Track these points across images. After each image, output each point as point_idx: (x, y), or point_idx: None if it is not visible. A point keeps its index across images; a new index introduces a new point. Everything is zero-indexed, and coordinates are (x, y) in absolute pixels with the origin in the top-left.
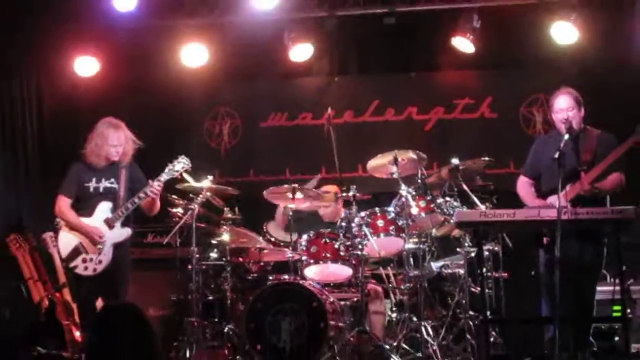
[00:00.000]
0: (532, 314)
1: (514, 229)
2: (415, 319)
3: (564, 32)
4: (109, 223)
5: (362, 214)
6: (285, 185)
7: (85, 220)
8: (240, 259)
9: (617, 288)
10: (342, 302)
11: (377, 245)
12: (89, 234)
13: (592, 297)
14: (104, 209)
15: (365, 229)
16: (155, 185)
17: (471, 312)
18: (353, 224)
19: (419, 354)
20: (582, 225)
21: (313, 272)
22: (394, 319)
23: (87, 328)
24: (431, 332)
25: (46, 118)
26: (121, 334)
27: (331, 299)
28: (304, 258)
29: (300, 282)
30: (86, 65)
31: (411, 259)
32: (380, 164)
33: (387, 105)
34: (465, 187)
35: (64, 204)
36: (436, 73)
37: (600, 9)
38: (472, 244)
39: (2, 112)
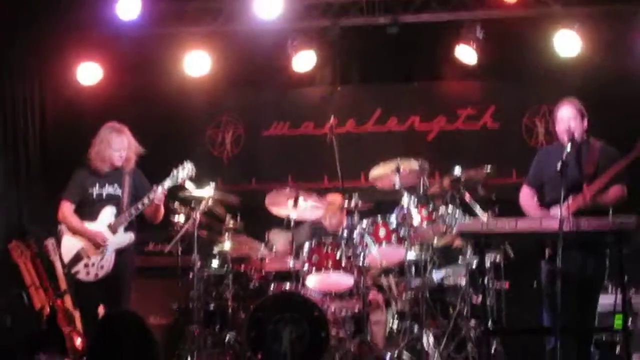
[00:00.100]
0: (533, 324)
1: (516, 239)
2: (416, 328)
3: (567, 43)
4: (112, 228)
5: (364, 223)
6: (287, 189)
7: (88, 226)
8: (242, 268)
9: (619, 299)
10: (344, 312)
11: (379, 254)
12: (92, 237)
13: (594, 308)
14: (107, 214)
15: (367, 239)
16: (159, 191)
17: (472, 322)
18: (355, 234)
19: None
20: (583, 236)
21: (314, 281)
22: (395, 329)
23: (89, 335)
24: (432, 342)
25: (49, 125)
26: (123, 342)
27: (332, 309)
28: (305, 267)
29: (302, 291)
30: (89, 73)
31: (413, 269)
32: (382, 173)
33: (389, 114)
34: (467, 197)
35: (67, 209)
36: (439, 83)
37: (603, 21)
38: (474, 254)
39: (4, 117)
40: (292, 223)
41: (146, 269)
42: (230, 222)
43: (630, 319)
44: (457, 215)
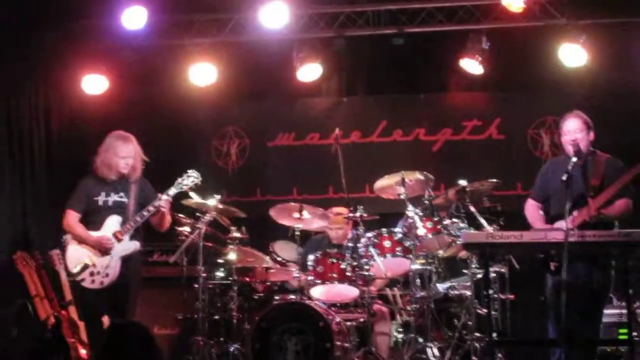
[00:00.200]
0: (538, 336)
1: (521, 251)
2: (421, 340)
3: (573, 55)
4: (118, 236)
5: (369, 234)
6: (292, 203)
7: (94, 234)
8: (247, 279)
9: (624, 311)
10: (348, 323)
11: (384, 266)
12: (97, 242)
13: (599, 320)
14: (112, 222)
15: (372, 250)
16: (164, 199)
17: (477, 334)
18: (360, 245)
19: None
20: (589, 248)
21: (319, 292)
22: (400, 340)
23: (93, 345)
24: (437, 354)
25: (54, 135)
26: (128, 352)
27: (337, 319)
28: (310, 278)
29: (307, 302)
30: (95, 83)
31: (418, 280)
32: (387, 184)
33: (395, 126)
34: (472, 208)
35: (72, 218)
36: (444, 94)
37: (609, 32)
38: (479, 266)
39: (10, 128)
40: (298, 234)
41: (151, 279)
42: (235, 233)
43: (634, 331)
44: (462, 227)
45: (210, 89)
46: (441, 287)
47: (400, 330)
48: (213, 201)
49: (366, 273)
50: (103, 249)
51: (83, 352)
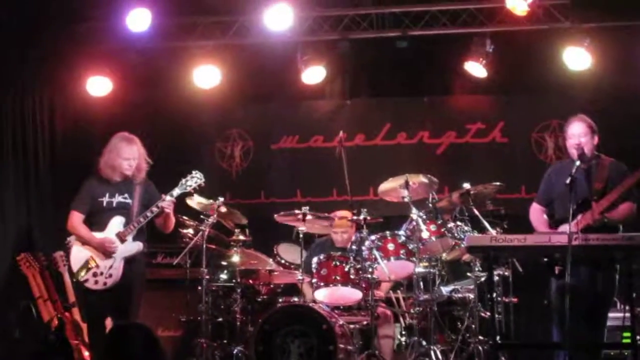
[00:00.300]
0: (542, 339)
1: (525, 254)
2: (424, 343)
3: (577, 58)
4: (121, 237)
5: (373, 237)
6: (296, 211)
7: (97, 235)
8: (250, 281)
9: (627, 315)
10: (352, 326)
11: (388, 269)
12: (100, 244)
13: (603, 324)
14: (116, 223)
15: (376, 253)
16: (168, 200)
17: (481, 337)
18: (363, 247)
19: None
20: (593, 251)
21: (323, 295)
22: (404, 343)
23: (97, 346)
24: (440, 357)
25: (58, 137)
26: (131, 354)
27: (340, 322)
28: (314, 281)
29: (310, 304)
30: (99, 85)
31: (421, 283)
32: (391, 187)
33: (398, 128)
34: (476, 211)
35: (76, 218)
36: (448, 97)
37: (613, 36)
38: (483, 269)
39: (14, 130)
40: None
41: (155, 281)
42: (239, 236)
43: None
44: (465, 230)
45: (214, 92)
46: (445, 290)
47: (404, 333)
48: (217, 204)
49: (370, 276)
50: (106, 252)
51: (86, 353)
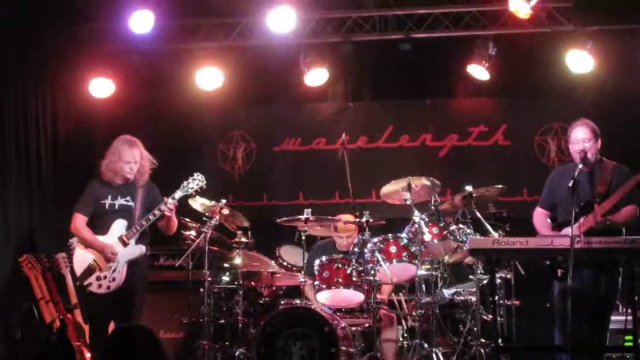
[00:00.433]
0: (544, 342)
1: (527, 257)
2: (426, 345)
3: (580, 61)
4: (123, 240)
5: (375, 239)
6: (299, 216)
7: (100, 238)
8: (252, 283)
9: (630, 318)
10: (354, 328)
11: (390, 271)
12: (102, 250)
13: (606, 327)
14: (119, 226)
15: (378, 255)
16: (170, 202)
17: (483, 340)
18: (366, 250)
19: None
20: (595, 254)
21: (325, 297)
22: (405, 346)
23: (98, 349)
24: (442, 359)
25: (61, 138)
26: (133, 356)
27: (342, 325)
28: (316, 283)
29: (312, 307)
30: (102, 87)
31: (423, 286)
32: (393, 190)
33: (401, 131)
34: (478, 214)
35: (79, 221)
36: (451, 100)
37: (616, 39)
38: (485, 272)
39: (16, 131)
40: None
41: (157, 283)
42: (241, 238)
43: None
44: (468, 232)
45: (216, 93)
46: (447, 292)
47: (406, 335)
48: (219, 205)
49: (372, 278)
50: (107, 259)
51: (88, 355)
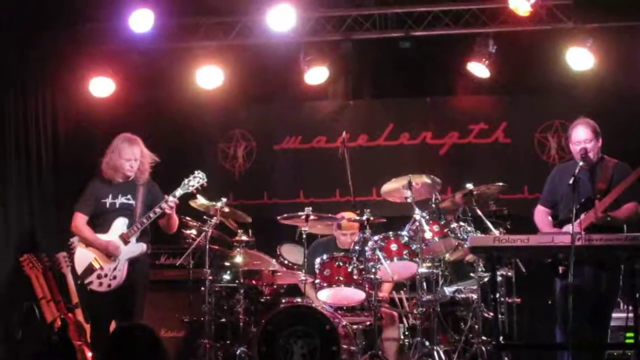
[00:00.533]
0: (545, 339)
1: (528, 254)
2: (427, 343)
3: (580, 59)
4: (124, 238)
5: (376, 237)
6: (299, 213)
7: (101, 237)
8: (253, 282)
9: (631, 315)
10: (355, 326)
11: (391, 269)
12: (104, 247)
13: (607, 324)
14: (119, 224)
15: (379, 253)
16: (170, 200)
17: (484, 337)
18: (366, 248)
19: None
20: (596, 251)
21: (326, 296)
22: (407, 343)
23: (99, 348)
24: (443, 357)
25: (61, 138)
26: (134, 355)
27: (344, 323)
28: (317, 281)
29: (313, 305)
30: (102, 86)
31: (424, 284)
32: (394, 188)
33: (401, 129)
34: (479, 212)
35: (80, 220)
36: (451, 98)
37: (616, 36)
38: (486, 269)
39: (17, 131)
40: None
41: (158, 281)
42: (242, 236)
43: None
44: (468, 230)
45: (217, 92)
46: (448, 290)
47: (407, 333)
48: (220, 204)
49: (373, 276)
50: (109, 255)
51: (89, 354)
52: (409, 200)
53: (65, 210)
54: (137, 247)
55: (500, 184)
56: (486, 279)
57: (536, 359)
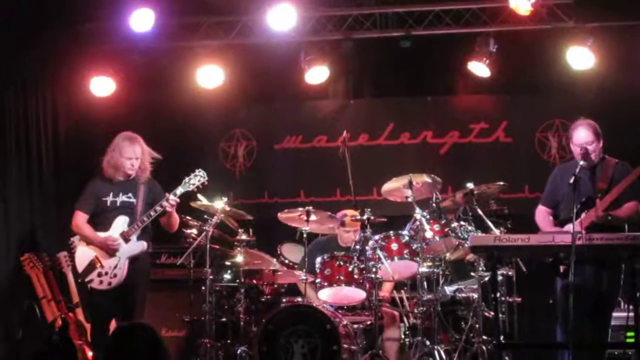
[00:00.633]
0: (545, 338)
1: (528, 253)
2: (428, 342)
3: (580, 58)
4: (125, 236)
5: (377, 237)
6: (299, 208)
7: (101, 235)
8: (254, 281)
9: (631, 314)
10: (356, 326)
11: (391, 268)
12: (103, 242)
13: (607, 324)
14: (120, 223)
15: (379, 252)
16: (171, 198)
17: (484, 337)
18: (367, 247)
19: None
20: (597, 250)
21: (327, 295)
22: (407, 343)
23: (99, 347)
24: (444, 357)
25: (61, 137)
26: (135, 354)
27: (344, 322)
28: (317, 281)
29: (314, 304)
30: (102, 86)
31: (425, 283)
32: (395, 187)
33: (402, 128)
34: (479, 211)
35: (80, 218)
36: (452, 97)
37: (616, 35)
38: (486, 269)
39: (17, 129)
40: (305, 237)
41: (158, 281)
42: (242, 235)
43: None
44: (469, 229)
45: (217, 92)
46: (448, 289)
47: (407, 333)
48: (220, 203)
49: (373, 276)
50: (109, 250)
51: (90, 354)
52: (409, 199)
53: (66, 209)
54: (137, 246)
55: (501, 183)
56: (487, 279)
57: (537, 359)
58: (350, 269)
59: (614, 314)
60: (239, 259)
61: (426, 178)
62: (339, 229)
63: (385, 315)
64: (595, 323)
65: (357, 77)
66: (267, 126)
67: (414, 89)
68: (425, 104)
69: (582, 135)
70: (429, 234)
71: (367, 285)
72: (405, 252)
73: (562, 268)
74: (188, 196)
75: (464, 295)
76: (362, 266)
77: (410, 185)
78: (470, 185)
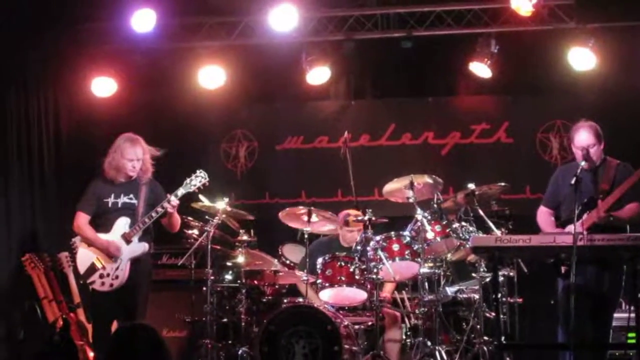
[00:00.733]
0: (547, 339)
1: (530, 254)
2: (429, 343)
3: (582, 59)
4: (126, 238)
5: (378, 237)
6: (301, 207)
7: (103, 236)
8: (255, 282)
9: (633, 315)
10: (357, 326)
11: (392, 269)
12: (106, 247)
13: (609, 324)
14: (122, 224)
15: (381, 253)
16: (172, 199)
17: (486, 338)
18: (368, 248)
19: None
20: (598, 251)
21: (328, 296)
22: (408, 344)
23: (101, 348)
24: (445, 357)
25: (63, 138)
26: (136, 355)
27: (345, 323)
28: (319, 281)
29: (315, 305)
30: (104, 86)
31: (426, 284)
32: (396, 188)
33: (403, 129)
34: (481, 212)
35: (82, 220)
36: (453, 98)
37: (618, 36)
38: (488, 269)
39: (18, 130)
40: (306, 237)
41: (160, 281)
42: (244, 236)
43: None
44: (470, 230)
45: (219, 92)
46: (450, 290)
47: (409, 333)
48: (221, 204)
49: (375, 276)
50: (110, 256)
51: (91, 354)
52: (410, 200)
53: (67, 209)
54: (139, 247)
55: (502, 184)
56: (488, 279)
57: (538, 359)
58: (351, 270)
59: (615, 315)
60: (240, 259)
61: (427, 179)
62: (342, 229)
63: (387, 316)
64: (597, 324)
65: (358, 78)
66: (268, 127)
67: (416, 89)
68: (426, 105)
69: (584, 137)
70: (430, 235)
71: (369, 286)
72: (406, 252)
73: (563, 269)
74: (189, 197)
75: (465, 296)
76: (364, 267)
77: (411, 186)
78: (471, 186)
